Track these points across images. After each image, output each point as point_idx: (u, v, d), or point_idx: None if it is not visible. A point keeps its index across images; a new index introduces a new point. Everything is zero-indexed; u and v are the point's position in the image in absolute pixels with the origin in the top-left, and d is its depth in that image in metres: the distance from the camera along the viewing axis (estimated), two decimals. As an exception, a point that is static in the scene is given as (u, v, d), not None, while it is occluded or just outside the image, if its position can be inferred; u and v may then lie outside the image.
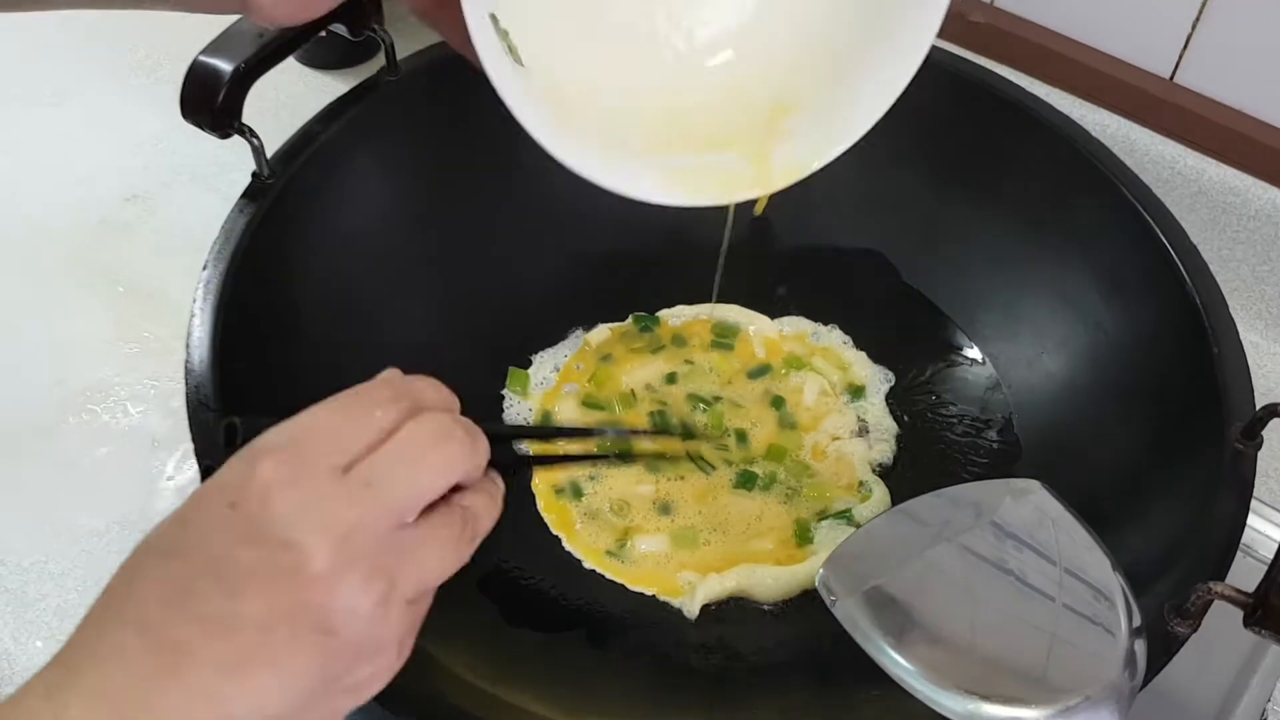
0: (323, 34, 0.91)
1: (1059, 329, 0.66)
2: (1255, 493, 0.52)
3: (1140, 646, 0.46)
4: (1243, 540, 0.50)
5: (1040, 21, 0.81)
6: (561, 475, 0.65)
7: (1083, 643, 0.47)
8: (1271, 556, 0.45)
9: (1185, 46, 0.76)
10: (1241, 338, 0.77)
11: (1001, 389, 0.68)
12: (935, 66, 0.68)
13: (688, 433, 0.67)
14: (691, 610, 0.60)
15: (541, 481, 0.65)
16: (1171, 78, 0.78)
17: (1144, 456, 0.58)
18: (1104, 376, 0.63)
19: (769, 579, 0.61)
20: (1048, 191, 0.66)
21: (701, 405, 0.68)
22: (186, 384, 0.53)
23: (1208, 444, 0.52)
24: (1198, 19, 0.74)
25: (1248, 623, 0.43)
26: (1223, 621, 0.61)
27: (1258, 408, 0.51)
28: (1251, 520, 0.52)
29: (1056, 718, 0.44)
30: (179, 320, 0.74)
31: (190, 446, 0.65)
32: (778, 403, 0.69)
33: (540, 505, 0.64)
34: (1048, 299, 0.66)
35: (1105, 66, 0.79)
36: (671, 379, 0.70)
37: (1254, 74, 0.75)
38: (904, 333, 0.71)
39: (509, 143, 0.70)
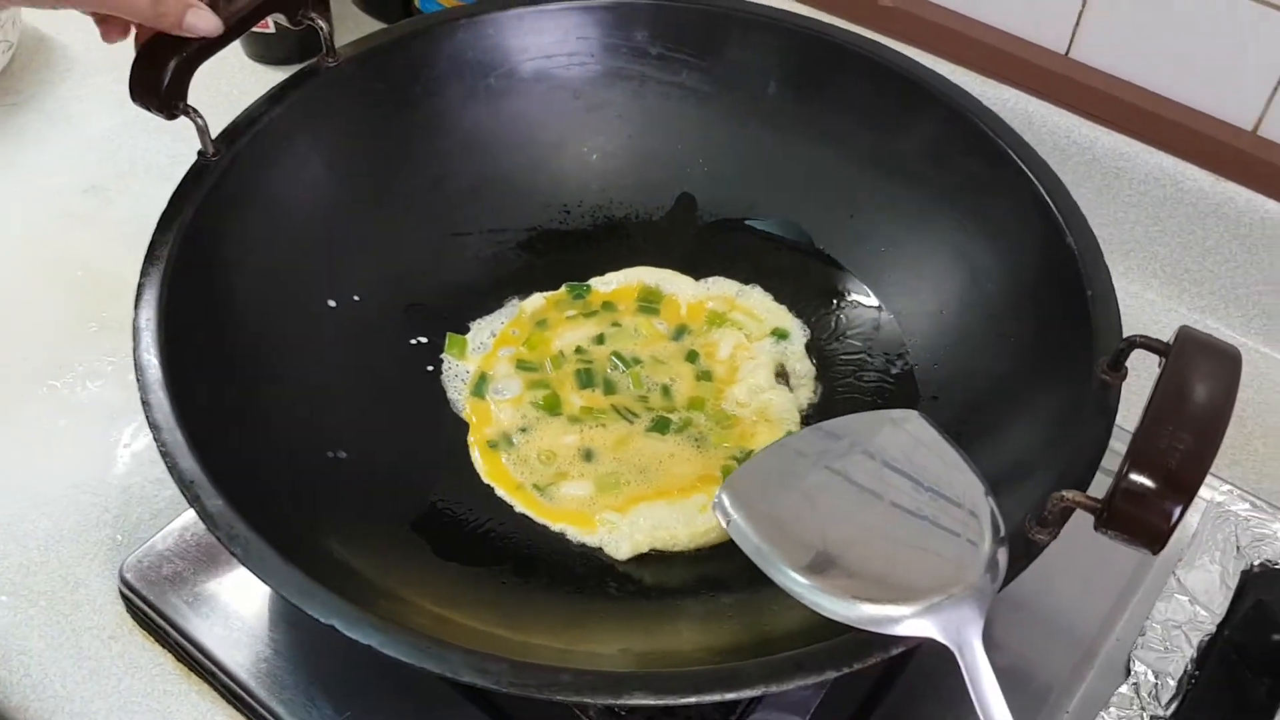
0: (270, 30, 0.97)
1: (954, 283, 0.71)
2: (1121, 420, 0.56)
3: (1002, 554, 0.51)
4: (1107, 464, 0.55)
5: (945, 4, 0.87)
6: (494, 429, 0.70)
7: (949, 552, 0.52)
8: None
9: (1078, 23, 0.82)
10: (1138, 295, 0.84)
11: (904, 337, 0.73)
12: (845, 50, 0.75)
13: (610, 387, 0.71)
14: (618, 553, 0.65)
15: (476, 436, 0.70)
16: (1067, 53, 0.83)
17: (1025, 389, 0.63)
18: (993, 322, 0.67)
19: (682, 530, 0.65)
20: (943, 158, 0.71)
21: (624, 364, 0.73)
22: (135, 345, 0.57)
23: (1079, 376, 0.57)
24: (1086, -3, 0.80)
25: (1097, 526, 0.47)
26: (1101, 548, 0.66)
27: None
28: (1116, 445, 0.57)
29: (924, 614, 0.48)
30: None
31: (144, 416, 0.70)
32: (693, 357, 0.73)
33: (474, 455, 0.69)
34: (945, 257, 0.71)
35: (1006, 45, 0.84)
36: (600, 340, 0.75)
37: (1140, 47, 0.80)
38: (819, 292, 0.76)
39: (443, 125, 0.76)
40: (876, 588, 0.50)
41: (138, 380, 0.55)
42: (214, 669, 0.63)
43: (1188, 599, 0.66)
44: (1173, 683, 0.63)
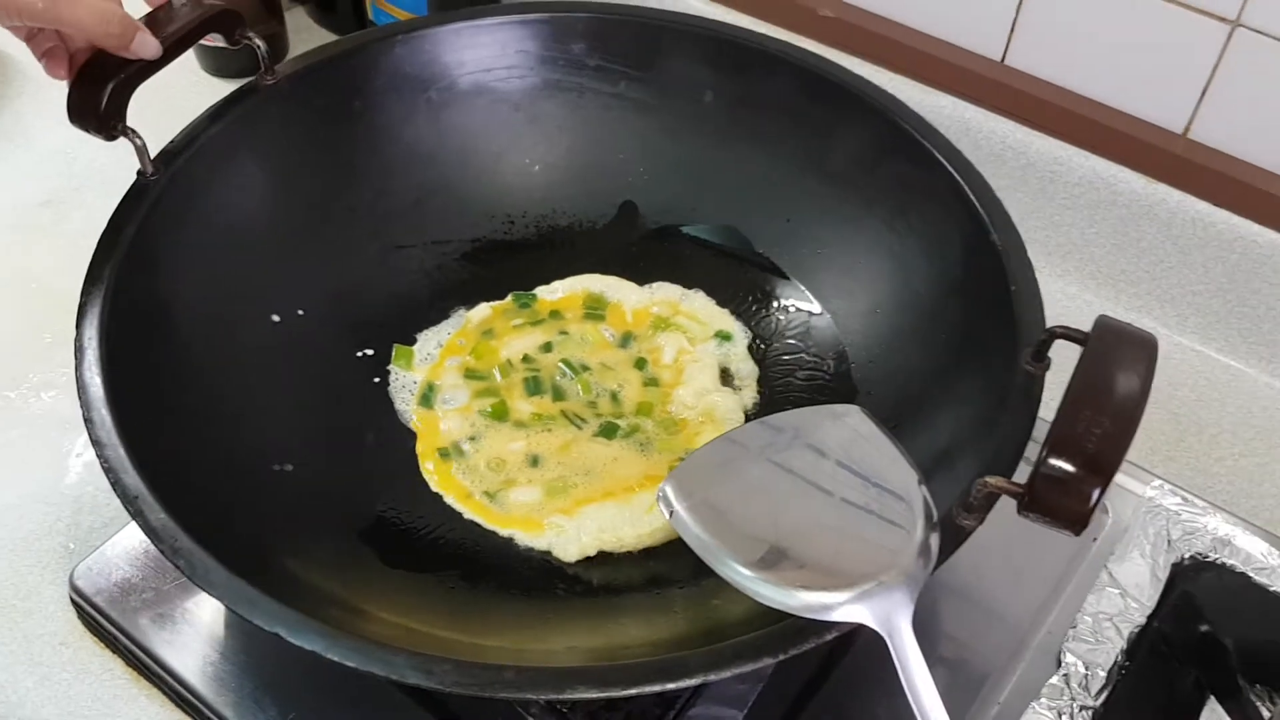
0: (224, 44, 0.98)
1: (887, 282, 0.72)
2: (1047, 411, 0.57)
3: (934, 539, 0.52)
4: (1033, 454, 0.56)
5: (883, 14, 0.88)
6: (442, 438, 0.71)
7: (883, 539, 0.53)
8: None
9: (1012, 31, 0.83)
10: (1075, 297, 0.85)
11: (841, 336, 0.75)
12: (777, 58, 0.76)
13: (558, 394, 0.73)
14: (566, 555, 0.66)
15: (424, 445, 0.71)
16: (1002, 60, 0.85)
17: (954, 382, 0.65)
18: (925, 319, 0.69)
19: (629, 531, 0.67)
20: (873, 161, 0.73)
21: (572, 371, 0.74)
22: (76, 361, 0.58)
23: (1005, 369, 0.59)
24: (1020, 5, 0.82)
25: (1020, 510, 0.48)
26: (1034, 542, 0.68)
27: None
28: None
29: (857, 600, 0.50)
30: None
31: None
32: (640, 363, 0.75)
33: (422, 465, 0.70)
34: (878, 257, 0.73)
35: (942, 53, 0.86)
36: (547, 348, 0.76)
37: (1074, 53, 0.82)
38: (759, 295, 0.78)
39: (384, 139, 0.78)
40: (814, 576, 0.52)
41: (80, 398, 0.56)
42: (163, 673, 0.64)
43: (1119, 592, 0.68)
44: (1103, 673, 0.65)
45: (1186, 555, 0.70)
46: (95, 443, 0.54)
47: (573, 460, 0.70)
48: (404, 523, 0.67)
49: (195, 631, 0.65)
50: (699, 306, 0.79)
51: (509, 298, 0.79)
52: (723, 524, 0.55)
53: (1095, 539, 0.71)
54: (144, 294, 0.62)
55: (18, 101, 1.00)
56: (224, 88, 1.00)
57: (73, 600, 0.67)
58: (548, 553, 0.66)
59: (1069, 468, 0.47)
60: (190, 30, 0.64)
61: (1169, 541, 0.70)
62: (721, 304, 0.78)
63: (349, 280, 0.75)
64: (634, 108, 0.79)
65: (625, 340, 0.77)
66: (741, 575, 0.53)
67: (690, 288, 0.79)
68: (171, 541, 0.51)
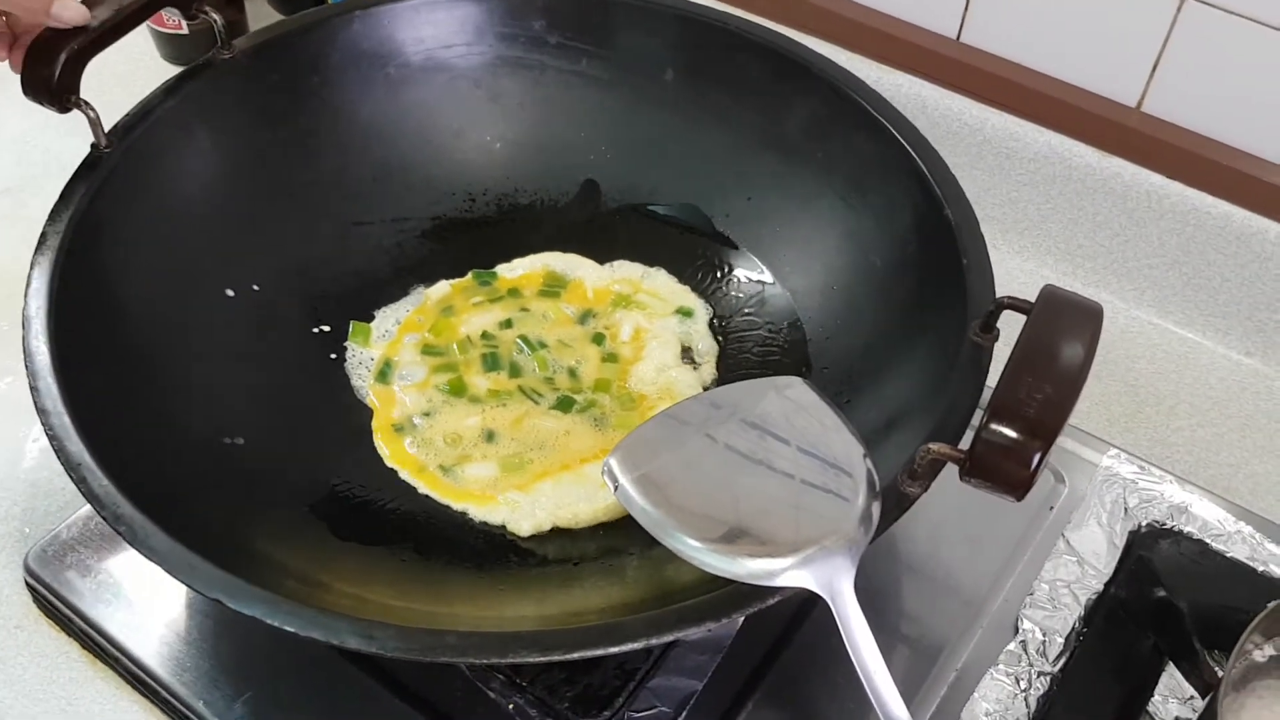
0: (184, 31, 0.97)
1: (842, 258, 0.73)
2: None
3: (876, 507, 0.52)
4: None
5: (841, -7, 0.89)
6: (398, 414, 0.71)
7: (825, 508, 0.53)
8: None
9: (966, 8, 0.84)
10: (1033, 272, 0.86)
11: (799, 312, 0.75)
12: (736, 35, 0.76)
13: (515, 370, 0.73)
14: (520, 530, 0.66)
15: (379, 420, 0.71)
16: (957, 37, 0.86)
17: (907, 354, 0.65)
18: (879, 293, 0.70)
19: (584, 507, 0.67)
20: (828, 137, 0.73)
21: (530, 347, 0.74)
22: (24, 333, 0.57)
23: (955, 340, 0.59)
24: (975, -18, 0.82)
25: (962, 475, 0.48)
26: (991, 512, 0.68)
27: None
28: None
29: (800, 565, 0.50)
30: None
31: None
32: (598, 339, 0.75)
33: (377, 440, 0.70)
34: (834, 234, 0.73)
35: (898, 31, 0.86)
36: (507, 325, 0.76)
37: (1027, 29, 0.83)
38: (720, 272, 0.78)
39: (342, 115, 0.77)
40: (757, 544, 0.52)
41: (26, 366, 0.56)
42: (119, 655, 0.64)
43: (1076, 559, 0.68)
44: (1060, 640, 0.65)
45: (1144, 523, 0.70)
46: (40, 410, 0.54)
47: (525, 434, 0.70)
48: (357, 496, 0.67)
49: (152, 614, 0.65)
50: (660, 284, 0.79)
51: (469, 275, 0.79)
52: (667, 497, 0.55)
53: (1052, 507, 0.72)
54: (94, 265, 0.62)
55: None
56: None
57: (27, 584, 0.67)
58: (502, 527, 0.66)
59: (1009, 433, 0.47)
60: (145, 3, 0.64)
61: (1126, 509, 0.71)
62: (683, 281, 0.79)
63: (306, 256, 0.74)
64: (595, 85, 0.79)
65: (585, 317, 0.77)
66: (687, 546, 0.53)
67: (652, 265, 0.79)
68: (113, 508, 0.51)
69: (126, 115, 0.67)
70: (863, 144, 0.70)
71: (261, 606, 0.48)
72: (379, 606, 0.56)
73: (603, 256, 0.80)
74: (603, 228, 0.81)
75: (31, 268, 0.60)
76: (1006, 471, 0.47)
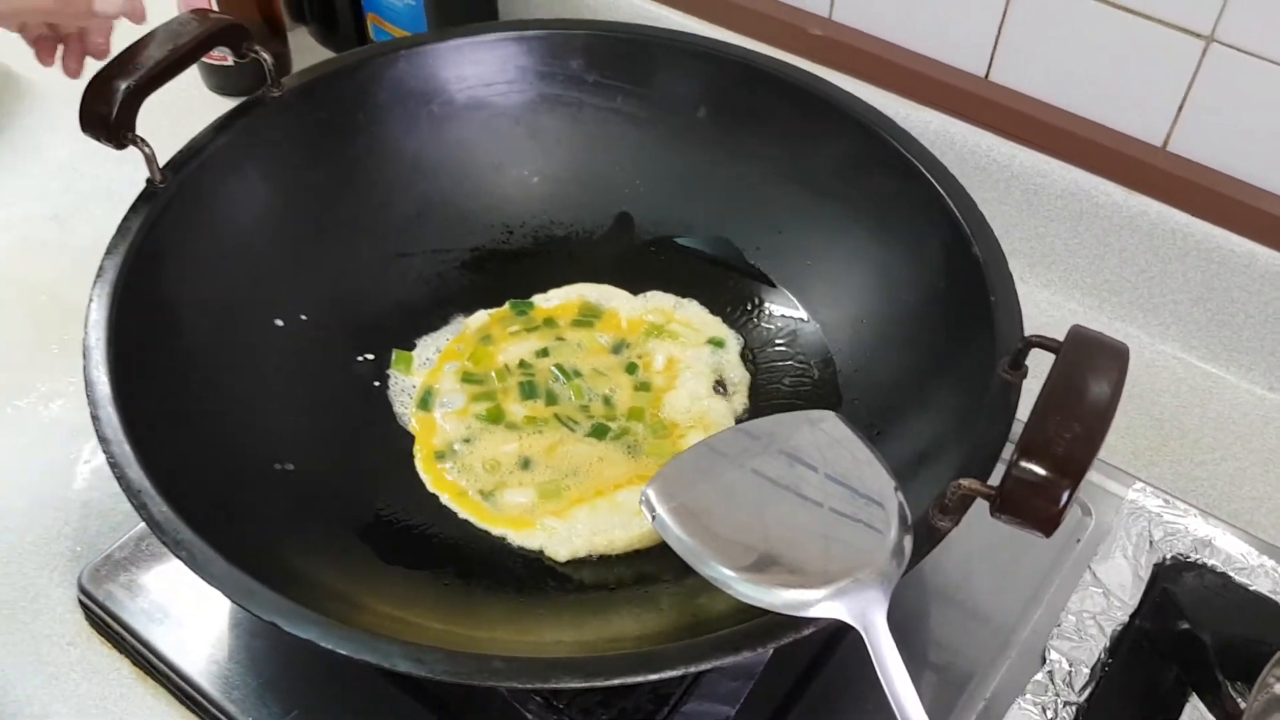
0: (229, 63, 1.00)
1: (872, 292, 0.74)
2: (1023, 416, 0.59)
3: (908, 541, 0.54)
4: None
5: (870, 32, 0.90)
6: (438, 440, 0.73)
7: (858, 540, 0.55)
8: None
9: (995, 48, 0.85)
10: (1060, 306, 0.87)
11: (829, 344, 0.77)
12: (768, 75, 0.79)
13: (551, 398, 0.75)
14: (557, 556, 0.68)
15: (421, 446, 0.73)
16: (986, 76, 0.87)
17: (935, 389, 0.67)
18: (908, 328, 0.71)
19: (620, 534, 0.68)
20: (859, 175, 0.75)
21: (565, 376, 0.76)
22: (84, 363, 0.59)
23: (984, 376, 0.60)
24: (1002, 23, 0.84)
25: (992, 511, 0.50)
26: (1019, 545, 0.70)
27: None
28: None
29: (833, 597, 0.52)
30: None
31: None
32: (632, 368, 0.77)
33: (419, 466, 0.72)
34: (863, 268, 0.75)
35: (928, 69, 0.88)
36: (543, 354, 0.78)
37: (1055, 69, 0.84)
38: (751, 304, 0.80)
39: (387, 151, 0.80)
40: (791, 575, 0.53)
41: (88, 395, 0.58)
42: (169, 672, 0.66)
43: (1102, 591, 0.69)
44: (1086, 670, 0.66)
45: (1168, 555, 0.71)
46: (101, 439, 0.56)
47: (561, 461, 0.72)
48: (401, 521, 0.69)
49: (200, 632, 0.67)
50: (692, 315, 0.80)
51: (506, 305, 0.81)
52: (703, 526, 0.57)
53: (1079, 540, 0.73)
54: (150, 296, 0.64)
55: (27, 118, 1.02)
56: (228, 105, 1.02)
57: (81, 602, 0.69)
58: (540, 552, 0.68)
59: (1039, 470, 0.48)
60: (198, 43, 0.67)
61: (1151, 542, 0.72)
62: (714, 312, 0.80)
63: (351, 287, 0.76)
64: (630, 122, 0.81)
65: (619, 347, 0.79)
66: (722, 575, 0.54)
67: (684, 296, 0.81)
68: (174, 534, 0.53)
69: (180, 151, 0.70)
70: (891, 181, 0.72)
71: (316, 630, 0.50)
72: (421, 629, 0.58)
73: (636, 288, 0.82)
74: (636, 260, 0.83)
75: (90, 300, 0.62)
76: (1036, 508, 0.49)
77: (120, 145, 0.65)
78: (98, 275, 0.63)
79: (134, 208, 0.66)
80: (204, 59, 1.01)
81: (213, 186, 0.70)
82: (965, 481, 0.52)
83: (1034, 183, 0.86)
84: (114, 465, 0.55)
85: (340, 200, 0.77)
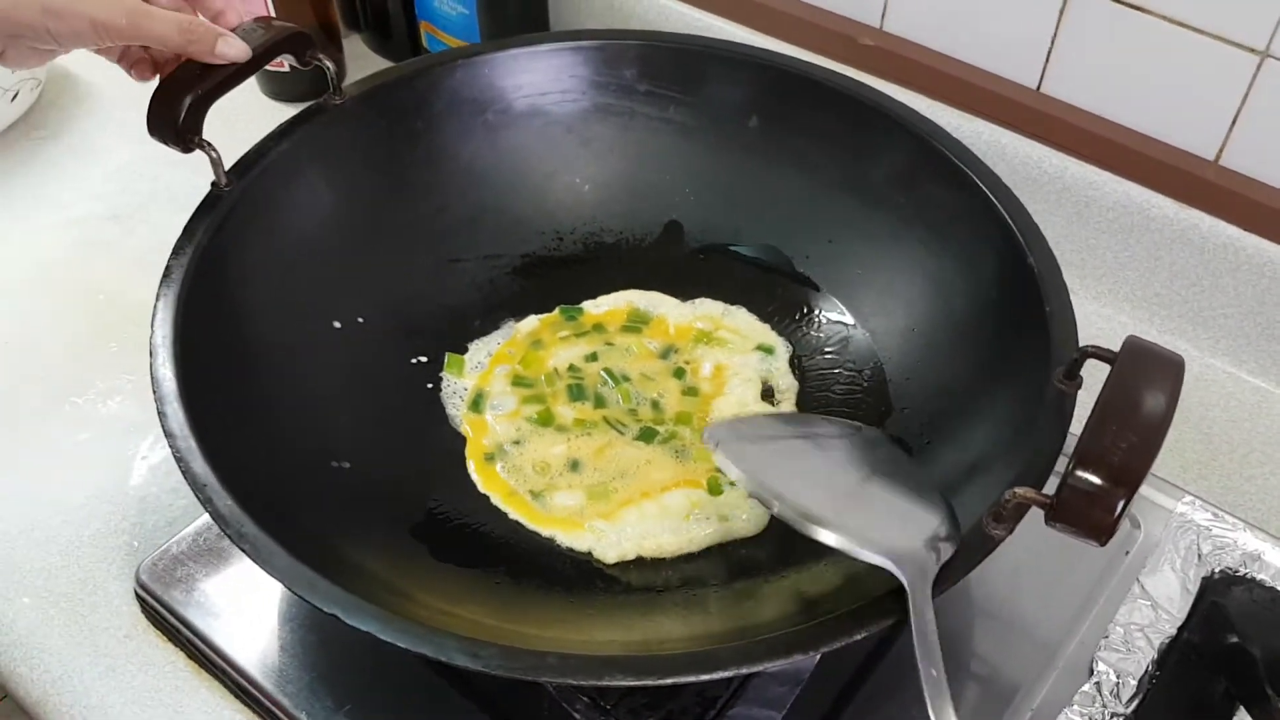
0: (285, 69, 1.02)
1: (924, 301, 0.75)
2: (1077, 427, 0.59)
3: (953, 536, 0.55)
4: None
5: (921, 42, 0.91)
6: (489, 441, 0.74)
7: (908, 520, 0.57)
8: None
9: (1047, 60, 0.86)
10: (1110, 319, 0.87)
11: (879, 353, 0.77)
12: (821, 86, 0.79)
13: (600, 401, 0.75)
14: (605, 558, 0.69)
15: (472, 448, 0.74)
16: (1038, 88, 0.87)
17: (989, 399, 0.67)
18: (960, 337, 0.71)
19: (669, 539, 0.69)
20: (913, 184, 0.75)
21: (614, 380, 0.77)
22: (151, 361, 0.60)
23: (1038, 386, 0.60)
24: (1055, 35, 0.84)
25: (1048, 520, 0.50)
26: (1067, 556, 0.70)
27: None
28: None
29: (876, 557, 0.53)
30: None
31: (160, 430, 0.73)
32: (679, 373, 0.78)
33: (470, 467, 0.73)
34: (915, 277, 0.75)
35: (980, 80, 0.88)
36: (592, 358, 0.79)
37: (1107, 82, 0.84)
38: (800, 312, 0.81)
39: (443, 158, 0.81)
40: (836, 524, 0.56)
41: (154, 392, 0.59)
42: (223, 665, 0.67)
43: (1150, 603, 0.69)
44: (1134, 682, 0.66)
45: (1216, 569, 0.71)
46: (168, 434, 0.57)
47: (609, 463, 0.73)
48: (453, 520, 0.70)
49: (254, 626, 0.68)
50: (741, 321, 0.81)
51: (556, 311, 0.82)
52: (760, 470, 0.59)
53: (1127, 552, 0.73)
54: (214, 297, 0.65)
55: (87, 121, 1.04)
56: (285, 111, 1.03)
57: (137, 595, 0.70)
58: (588, 553, 0.69)
59: (1095, 480, 0.48)
60: (265, 50, 0.68)
61: (1199, 556, 0.71)
62: (763, 320, 0.81)
63: (406, 291, 0.78)
64: (681, 131, 0.82)
65: (667, 352, 0.79)
66: (779, 502, 0.57)
67: (732, 303, 0.82)
68: (238, 527, 0.54)
69: (243, 156, 0.71)
70: (944, 191, 0.72)
71: (375, 623, 0.51)
72: (473, 624, 0.58)
73: (684, 295, 0.82)
74: (685, 267, 0.84)
75: (157, 299, 0.63)
76: (1092, 518, 0.49)
77: (187, 149, 0.66)
78: (164, 276, 0.64)
79: (199, 211, 0.68)
80: (262, 65, 1.03)
81: (274, 191, 0.71)
82: (1021, 490, 0.52)
83: (1085, 195, 0.86)
84: (180, 460, 0.56)
85: (397, 206, 0.79)
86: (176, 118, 0.66)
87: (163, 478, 0.77)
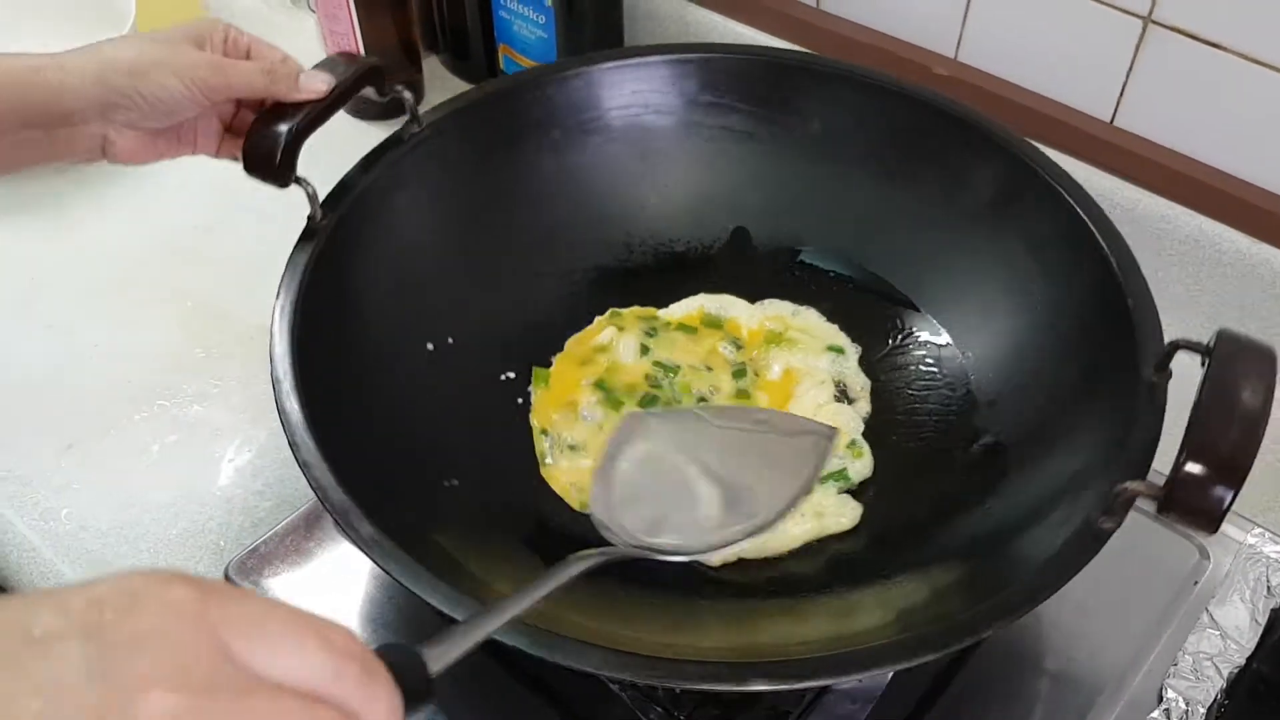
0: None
1: (1003, 301, 0.76)
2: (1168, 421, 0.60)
3: None
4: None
5: (996, 73, 0.92)
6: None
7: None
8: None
9: (1122, 93, 0.87)
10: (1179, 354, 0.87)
11: (956, 349, 0.79)
12: (897, 95, 0.80)
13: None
14: (709, 561, 0.70)
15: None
16: (1111, 120, 0.88)
17: (1077, 395, 0.68)
18: (1042, 336, 0.73)
19: (770, 540, 0.70)
20: (988, 190, 0.77)
21: (686, 393, 0.78)
22: (275, 392, 0.61)
23: (1130, 383, 0.62)
24: (1130, 69, 0.85)
25: (1160, 510, 0.52)
26: (1137, 586, 0.70)
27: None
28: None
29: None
30: (240, 330, 0.86)
31: (246, 434, 0.76)
32: (739, 374, 0.79)
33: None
34: (994, 278, 0.77)
35: (1053, 111, 0.89)
36: (660, 365, 0.79)
37: (1183, 116, 0.85)
38: (871, 311, 0.83)
39: (519, 179, 0.83)
40: None
41: (283, 423, 0.60)
42: (309, 664, 0.68)
43: (1219, 633, 0.70)
44: (1202, 710, 0.67)
45: (1286, 602, 0.72)
46: (303, 464, 0.58)
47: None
48: (560, 530, 0.71)
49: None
50: (811, 321, 0.83)
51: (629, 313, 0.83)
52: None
53: (1196, 582, 0.73)
54: (321, 331, 0.66)
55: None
56: (365, 128, 1.06)
57: (225, 592, 0.72)
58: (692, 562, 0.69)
59: (1204, 472, 0.50)
60: (348, 86, 0.69)
61: (1269, 587, 0.72)
62: (831, 320, 0.83)
63: (492, 309, 0.79)
64: (746, 140, 0.84)
65: (739, 356, 0.81)
66: None
67: (801, 305, 0.84)
68: (383, 552, 0.55)
69: (332, 190, 0.71)
70: (1022, 196, 0.74)
71: (524, 639, 0.52)
72: (580, 628, 0.58)
73: (753, 297, 0.84)
74: (753, 272, 0.85)
75: (272, 335, 0.64)
76: (1201, 508, 0.51)
77: (284, 185, 0.67)
78: (277, 313, 0.65)
79: (299, 245, 0.68)
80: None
81: (365, 220, 0.72)
82: (1132, 483, 0.54)
83: (1157, 228, 0.86)
84: (316, 488, 0.57)
85: (480, 227, 0.80)
86: (274, 155, 0.67)
87: (248, 480, 0.79)
